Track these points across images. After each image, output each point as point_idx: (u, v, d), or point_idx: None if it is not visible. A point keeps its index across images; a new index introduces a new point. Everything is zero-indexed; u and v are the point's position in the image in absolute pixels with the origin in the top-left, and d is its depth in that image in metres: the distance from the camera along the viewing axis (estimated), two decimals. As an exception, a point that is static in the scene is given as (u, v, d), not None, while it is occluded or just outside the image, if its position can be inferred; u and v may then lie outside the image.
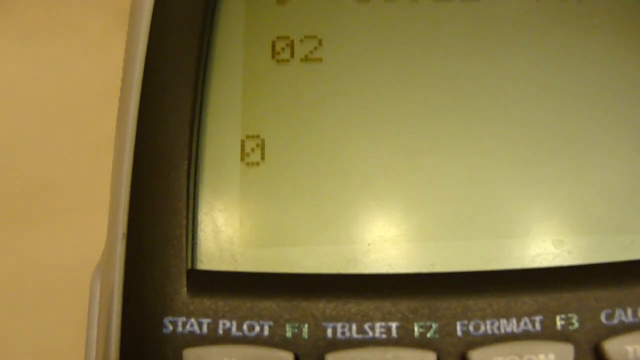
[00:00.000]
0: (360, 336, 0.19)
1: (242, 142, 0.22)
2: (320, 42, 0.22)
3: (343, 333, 0.19)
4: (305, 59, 0.22)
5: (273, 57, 0.22)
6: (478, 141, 0.22)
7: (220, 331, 0.19)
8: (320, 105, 0.22)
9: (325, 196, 0.21)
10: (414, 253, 0.21)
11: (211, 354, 0.19)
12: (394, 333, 0.19)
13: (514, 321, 0.19)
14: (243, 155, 0.22)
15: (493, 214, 0.21)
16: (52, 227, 0.34)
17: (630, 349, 0.19)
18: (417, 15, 0.23)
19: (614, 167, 0.22)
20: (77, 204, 0.34)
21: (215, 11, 0.22)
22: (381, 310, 0.19)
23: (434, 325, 0.19)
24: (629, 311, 0.19)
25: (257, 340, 0.19)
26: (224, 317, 0.19)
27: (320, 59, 0.22)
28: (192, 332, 0.19)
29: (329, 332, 0.19)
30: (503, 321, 0.19)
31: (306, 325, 0.19)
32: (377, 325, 0.19)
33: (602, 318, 0.19)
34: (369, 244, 0.21)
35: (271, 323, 0.19)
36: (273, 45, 0.22)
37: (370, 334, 0.19)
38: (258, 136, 0.22)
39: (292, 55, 0.22)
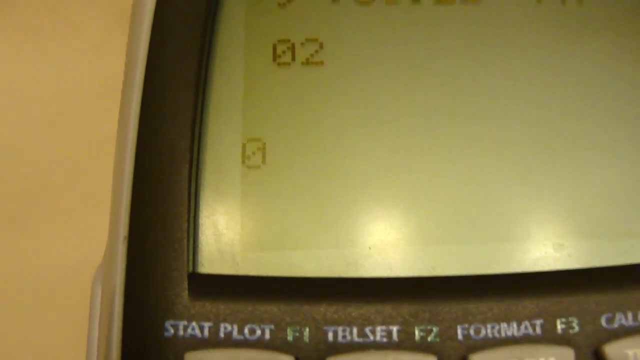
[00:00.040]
0: (361, 340, 0.19)
1: (243, 145, 0.22)
2: (321, 46, 0.22)
3: (344, 337, 0.19)
4: (307, 62, 0.22)
5: (274, 60, 0.22)
6: (479, 144, 0.22)
7: (222, 335, 0.19)
8: (321, 109, 0.22)
9: (326, 199, 0.21)
10: (414, 256, 0.21)
11: (212, 358, 0.19)
12: (394, 337, 0.19)
13: (515, 325, 0.19)
14: (244, 158, 0.22)
15: (494, 218, 0.21)
16: (52, 227, 0.34)
17: (630, 352, 0.19)
18: (418, 18, 0.23)
19: (615, 170, 0.22)
20: (77, 204, 0.35)
21: (216, 15, 0.22)
22: (382, 314, 0.20)
23: (435, 329, 0.19)
24: (629, 315, 0.19)
25: (258, 344, 0.19)
26: (225, 320, 0.19)
27: (322, 62, 0.22)
28: (193, 336, 0.19)
29: (330, 336, 0.19)
30: (504, 325, 0.19)
31: (307, 329, 0.19)
32: (378, 328, 0.19)
33: (603, 322, 0.19)
34: (369, 248, 0.21)
35: (272, 327, 0.19)
36: (274, 49, 0.22)
37: (371, 337, 0.19)
38: (259, 139, 0.22)
39: (293, 58, 0.22)
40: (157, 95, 0.21)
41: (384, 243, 0.21)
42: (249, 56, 0.22)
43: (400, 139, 0.22)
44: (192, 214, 0.20)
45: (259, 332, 0.19)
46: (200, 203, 0.21)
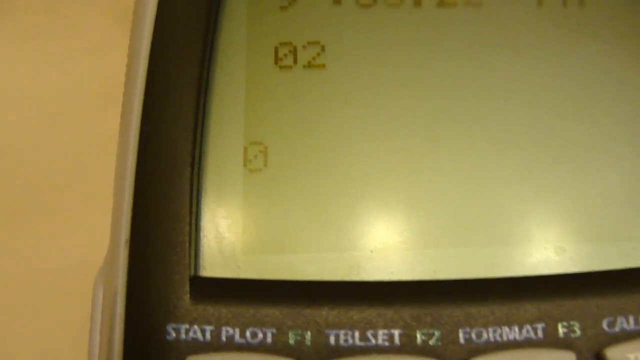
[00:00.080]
0: (362, 343, 0.19)
1: (245, 148, 0.22)
2: (323, 49, 0.22)
3: (346, 340, 0.19)
4: (308, 65, 0.22)
5: (276, 63, 0.22)
6: (481, 147, 0.22)
7: (224, 338, 0.19)
8: (323, 112, 0.22)
9: (327, 203, 0.21)
10: (416, 260, 0.21)
11: (214, 361, 0.19)
12: (396, 340, 0.19)
13: (516, 329, 0.19)
14: (246, 161, 0.22)
15: (495, 221, 0.21)
16: (53, 227, 0.34)
17: (632, 356, 0.19)
18: (420, 21, 0.23)
19: (617, 174, 0.22)
20: (77, 204, 0.34)
21: (218, 18, 0.22)
22: (384, 318, 0.20)
23: (437, 333, 0.19)
24: (631, 319, 0.19)
25: (260, 347, 0.19)
26: (227, 324, 0.20)
27: (324, 65, 0.22)
28: (195, 339, 0.19)
29: (332, 339, 0.19)
30: (505, 329, 0.19)
31: (309, 332, 0.19)
32: (380, 332, 0.19)
33: (604, 325, 0.19)
34: (371, 251, 0.21)
35: (274, 330, 0.19)
36: (276, 52, 0.22)
37: (373, 341, 0.19)
38: (261, 142, 0.22)
39: (295, 61, 0.22)
40: (159, 98, 0.21)
41: (386, 246, 0.21)
42: (251, 59, 0.22)
43: (402, 142, 0.22)
44: (193, 217, 0.20)
45: (260, 335, 0.19)
46: (202, 206, 0.21)
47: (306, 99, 0.22)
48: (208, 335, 0.19)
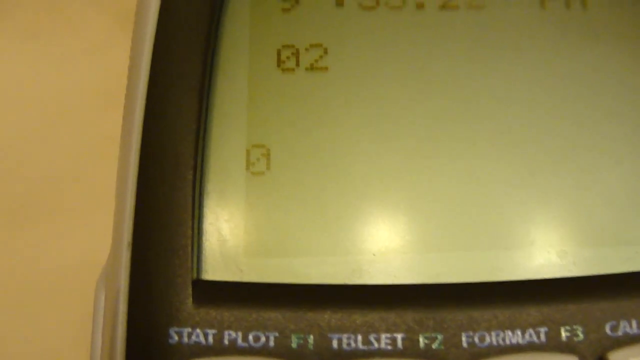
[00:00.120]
0: (365, 347, 0.19)
1: (248, 151, 0.22)
2: (325, 51, 0.22)
3: (348, 344, 0.19)
4: (311, 67, 0.22)
5: (278, 65, 0.22)
6: (484, 151, 0.22)
7: (226, 342, 0.19)
8: (326, 114, 0.22)
9: (330, 206, 0.21)
10: (418, 264, 0.21)
11: (217, 365, 0.19)
12: (399, 344, 0.19)
13: (519, 332, 0.19)
14: (248, 164, 0.21)
15: (498, 225, 0.21)
16: (53, 227, 0.34)
17: (634, 360, 0.19)
18: (423, 24, 0.23)
19: (619, 177, 0.22)
20: (78, 204, 0.34)
21: (220, 20, 0.22)
22: (386, 321, 0.20)
23: (440, 337, 0.19)
24: (634, 323, 0.19)
25: (262, 351, 0.19)
26: (229, 327, 0.19)
27: (326, 68, 0.22)
28: (197, 343, 0.19)
29: (335, 343, 0.19)
30: (508, 332, 0.19)
31: (312, 336, 0.19)
32: (383, 336, 0.19)
33: (607, 329, 0.19)
34: (374, 255, 0.21)
35: (276, 334, 0.19)
36: (278, 54, 0.22)
37: (376, 345, 0.19)
38: (263, 145, 0.22)
39: (297, 64, 0.22)
40: (161, 101, 0.21)
41: (388, 250, 0.21)
42: (253, 61, 0.22)
43: (406, 145, 0.22)
44: (196, 221, 0.20)
45: (263, 339, 0.19)
46: (205, 209, 0.21)
47: (309, 101, 0.22)
48: (210, 339, 0.19)
